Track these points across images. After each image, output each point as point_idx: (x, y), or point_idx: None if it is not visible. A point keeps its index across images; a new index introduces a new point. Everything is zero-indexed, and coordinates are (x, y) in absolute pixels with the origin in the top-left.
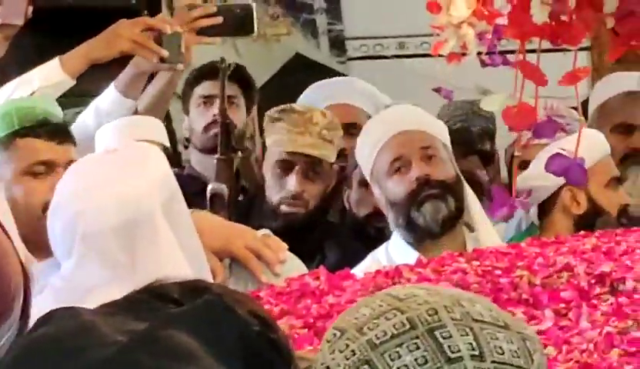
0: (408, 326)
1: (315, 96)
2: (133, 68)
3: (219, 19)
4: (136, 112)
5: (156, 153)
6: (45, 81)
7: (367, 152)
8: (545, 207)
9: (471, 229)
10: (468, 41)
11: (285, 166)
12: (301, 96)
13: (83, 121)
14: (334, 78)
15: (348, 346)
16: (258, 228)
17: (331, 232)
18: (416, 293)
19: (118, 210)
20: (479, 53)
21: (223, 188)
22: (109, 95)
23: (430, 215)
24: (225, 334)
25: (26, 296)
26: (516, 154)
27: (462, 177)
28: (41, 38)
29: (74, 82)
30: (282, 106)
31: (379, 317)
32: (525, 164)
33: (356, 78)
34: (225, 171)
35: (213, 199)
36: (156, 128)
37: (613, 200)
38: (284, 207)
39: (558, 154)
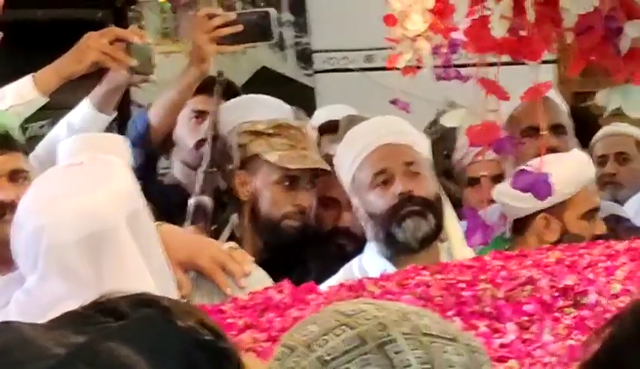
0: (357, 342)
1: (232, 114)
2: (107, 83)
3: (239, 27)
4: (148, 126)
5: (121, 166)
6: (18, 99)
7: (348, 162)
8: (519, 226)
9: (442, 240)
10: (424, 55)
11: (292, 181)
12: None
13: (56, 135)
14: (245, 97)
15: (298, 363)
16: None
17: (312, 244)
18: (364, 308)
19: (80, 224)
20: (435, 66)
21: (207, 201)
22: (82, 110)
23: (410, 232)
24: (166, 346)
25: None
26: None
27: (443, 193)
28: (9, 50)
29: (46, 100)
30: (271, 121)
31: (328, 333)
32: (473, 181)
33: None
34: (210, 184)
35: (196, 211)
36: (119, 146)
37: (587, 231)
38: (289, 222)
39: (523, 170)
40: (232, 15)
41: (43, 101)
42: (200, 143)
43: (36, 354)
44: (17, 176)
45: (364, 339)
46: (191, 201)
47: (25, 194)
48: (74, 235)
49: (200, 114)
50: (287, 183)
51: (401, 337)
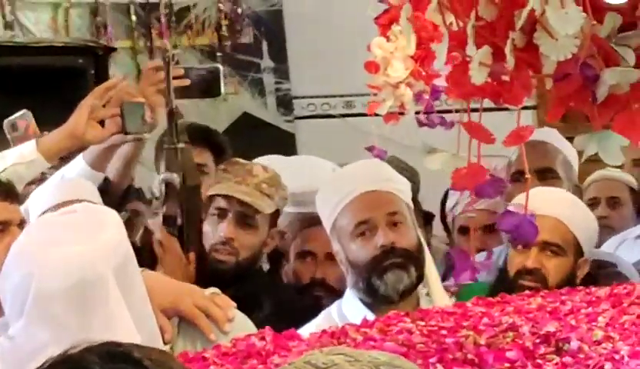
0: None
1: None
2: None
3: (186, 81)
4: (107, 180)
5: (112, 216)
6: (19, 158)
7: (330, 206)
8: None
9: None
10: (406, 102)
11: (220, 212)
12: None
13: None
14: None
15: None
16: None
17: (266, 284)
18: (336, 361)
19: (68, 273)
20: (417, 113)
21: (175, 178)
22: (77, 166)
23: (391, 285)
24: None
25: None
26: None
27: (423, 241)
28: None
29: (48, 164)
30: (230, 159)
31: None
32: (465, 230)
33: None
34: (175, 159)
35: (166, 188)
36: (89, 191)
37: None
38: (214, 254)
39: (508, 212)
40: (181, 70)
41: (44, 163)
42: None
43: None
44: (23, 226)
45: None
46: (160, 178)
47: (16, 241)
48: (61, 284)
49: (198, 167)
50: (215, 215)
51: None
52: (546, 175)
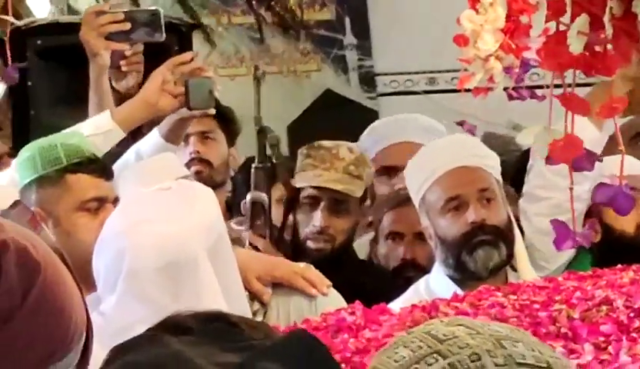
0: None
1: (376, 135)
2: (176, 114)
3: (127, 25)
4: None
5: (207, 194)
6: (94, 129)
7: (420, 179)
8: None
9: (515, 269)
10: (495, 75)
11: (312, 201)
12: (362, 136)
13: (124, 163)
14: (395, 116)
15: None
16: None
17: (362, 270)
18: (457, 333)
19: (162, 251)
20: (506, 87)
21: (263, 197)
22: (152, 139)
23: (481, 262)
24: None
25: (87, 342)
26: None
27: (513, 218)
28: (74, 74)
29: (123, 133)
30: (312, 143)
31: (420, 362)
32: None
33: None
34: (263, 179)
35: (253, 207)
36: (175, 164)
37: (633, 220)
38: (310, 243)
39: (602, 184)
40: (121, 14)
41: (120, 133)
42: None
43: None
44: (117, 203)
45: None
46: (248, 198)
47: (112, 215)
48: (155, 262)
49: (185, 138)
50: (306, 204)
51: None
52: None
